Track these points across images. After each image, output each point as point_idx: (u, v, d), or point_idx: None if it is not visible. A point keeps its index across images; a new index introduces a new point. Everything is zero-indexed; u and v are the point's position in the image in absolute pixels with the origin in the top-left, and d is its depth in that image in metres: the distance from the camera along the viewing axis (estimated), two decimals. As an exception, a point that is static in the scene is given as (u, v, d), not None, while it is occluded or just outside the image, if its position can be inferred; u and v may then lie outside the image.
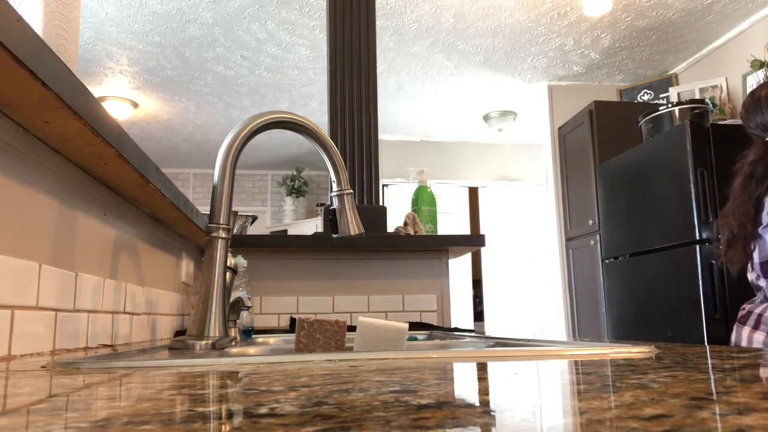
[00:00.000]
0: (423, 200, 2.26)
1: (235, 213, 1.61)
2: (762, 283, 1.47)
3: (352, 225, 0.97)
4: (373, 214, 2.10)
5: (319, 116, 5.23)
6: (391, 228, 2.23)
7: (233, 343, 0.93)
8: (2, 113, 0.65)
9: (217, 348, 0.79)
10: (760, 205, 1.49)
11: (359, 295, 1.97)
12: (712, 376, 0.43)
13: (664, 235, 3.02)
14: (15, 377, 0.49)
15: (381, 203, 2.48)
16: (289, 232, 6.16)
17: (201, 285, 0.84)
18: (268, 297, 1.98)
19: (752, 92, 1.69)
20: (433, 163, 5.99)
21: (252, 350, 0.97)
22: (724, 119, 3.69)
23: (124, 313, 1.05)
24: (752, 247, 1.49)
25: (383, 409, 0.29)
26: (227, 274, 0.89)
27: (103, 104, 4.24)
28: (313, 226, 6.18)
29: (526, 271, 6.10)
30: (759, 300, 1.51)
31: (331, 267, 1.98)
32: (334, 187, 0.97)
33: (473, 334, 1.27)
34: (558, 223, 4.52)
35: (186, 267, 1.61)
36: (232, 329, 1.15)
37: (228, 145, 0.87)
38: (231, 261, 1.18)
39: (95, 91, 4.75)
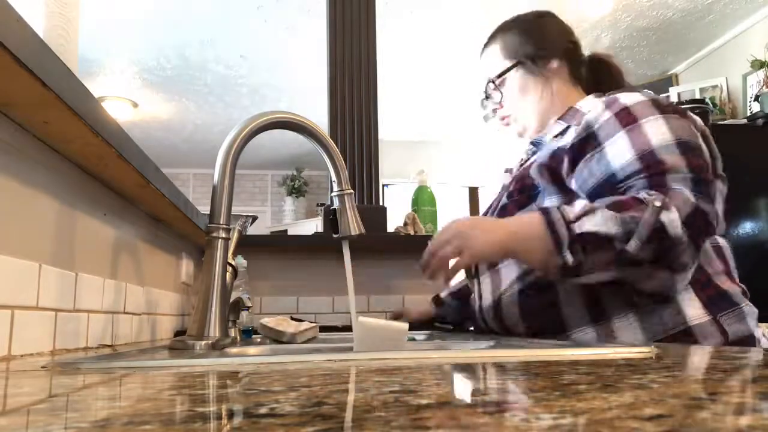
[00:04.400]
0: (423, 200, 2.26)
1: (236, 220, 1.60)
2: None
3: (353, 225, 0.97)
4: (373, 214, 2.10)
5: (319, 116, 5.22)
6: (391, 228, 2.23)
7: (233, 343, 0.93)
8: (2, 113, 0.65)
9: (217, 348, 0.79)
10: None
11: (359, 295, 1.97)
12: (712, 376, 0.43)
13: (664, 235, 3.02)
14: (15, 377, 0.49)
15: (381, 203, 2.48)
16: (289, 232, 6.15)
17: (201, 285, 0.84)
18: (268, 297, 1.97)
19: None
20: (433, 163, 5.99)
21: (252, 350, 0.97)
22: (725, 119, 3.69)
23: (124, 313, 1.05)
24: None
25: (383, 409, 0.29)
26: (227, 274, 0.89)
27: (103, 104, 4.25)
28: (313, 226, 6.17)
29: (526, 271, 6.09)
30: None
31: (331, 267, 1.97)
32: (335, 187, 0.97)
33: (473, 334, 1.27)
34: (558, 223, 4.51)
35: (186, 267, 1.61)
36: (232, 329, 1.15)
37: (228, 145, 0.87)
38: (231, 261, 1.18)
39: (95, 91, 4.75)
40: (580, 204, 0.95)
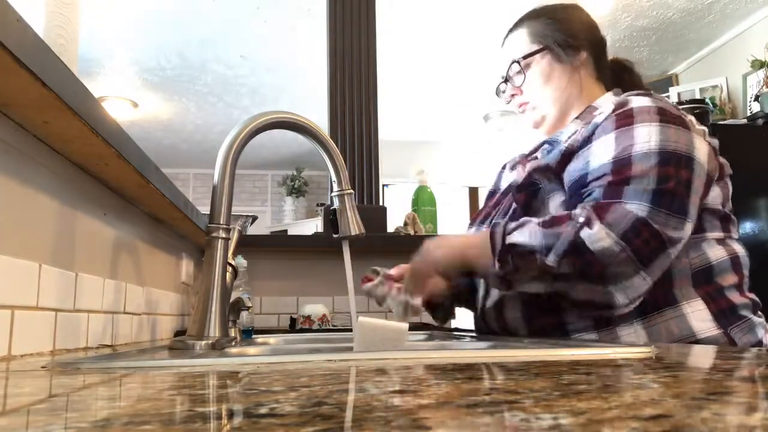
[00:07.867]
0: (423, 200, 2.26)
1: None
2: None
3: (353, 225, 0.97)
4: (373, 214, 2.10)
5: (319, 116, 5.22)
6: (391, 228, 2.23)
7: (233, 343, 0.93)
8: (2, 113, 0.65)
9: (217, 348, 0.79)
10: None
11: (359, 295, 1.97)
12: (712, 376, 0.43)
13: (664, 235, 3.02)
14: (15, 377, 0.49)
15: (381, 203, 2.48)
16: (289, 232, 6.15)
17: (201, 285, 0.84)
18: (268, 297, 1.97)
19: None
20: (433, 163, 5.98)
21: (252, 350, 0.97)
22: (725, 119, 3.69)
23: (124, 313, 1.05)
24: None
25: (383, 409, 0.29)
26: (227, 274, 0.89)
27: (103, 104, 4.25)
28: (313, 226, 6.18)
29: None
30: None
31: (331, 267, 1.97)
32: (335, 187, 0.97)
33: (473, 334, 1.27)
34: (558, 223, 4.51)
35: (186, 267, 1.61)
36: (232, 329, 1.15)
37: (228, 145, 0.87)
38: (231, 261, 1.18)
39: (95, 91, 4.75)
40: (522, 219, 1.00)
